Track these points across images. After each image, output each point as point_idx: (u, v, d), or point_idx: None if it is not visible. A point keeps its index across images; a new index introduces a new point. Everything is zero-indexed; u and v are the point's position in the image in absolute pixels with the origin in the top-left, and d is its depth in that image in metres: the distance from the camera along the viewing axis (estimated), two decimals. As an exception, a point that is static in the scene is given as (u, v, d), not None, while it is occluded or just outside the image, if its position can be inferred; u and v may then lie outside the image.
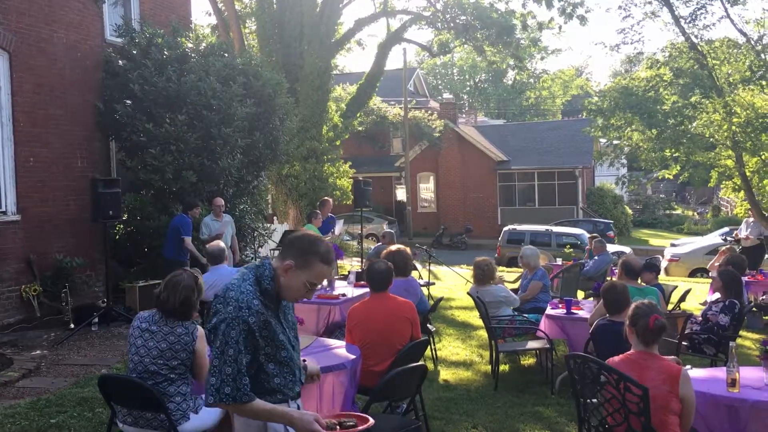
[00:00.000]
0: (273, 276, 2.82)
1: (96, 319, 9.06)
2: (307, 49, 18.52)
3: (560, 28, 25.61)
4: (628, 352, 3.89)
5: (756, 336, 9.15)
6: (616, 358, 3.87)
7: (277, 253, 13.00)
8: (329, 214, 12.03)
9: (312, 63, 18.30)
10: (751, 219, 14.32)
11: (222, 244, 7.32)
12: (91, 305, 9.79)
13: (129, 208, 10.61)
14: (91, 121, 10.53)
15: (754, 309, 9.63)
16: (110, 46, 10.99)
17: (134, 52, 10.84)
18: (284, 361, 2.86)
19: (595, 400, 3.94)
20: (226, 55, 11.78)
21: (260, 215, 13.53)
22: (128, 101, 10.55)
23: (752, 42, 15.09)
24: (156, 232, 10.29)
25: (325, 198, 12.98)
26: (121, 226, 10.90)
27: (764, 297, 10.39)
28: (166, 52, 10.96)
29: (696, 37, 15.90)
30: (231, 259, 9.45)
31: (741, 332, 7.87)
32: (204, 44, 12.14)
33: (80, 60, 10.34)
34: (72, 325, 8.89)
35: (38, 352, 7.94)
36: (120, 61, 10.81)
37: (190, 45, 11.61)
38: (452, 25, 21.94)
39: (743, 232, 13.43)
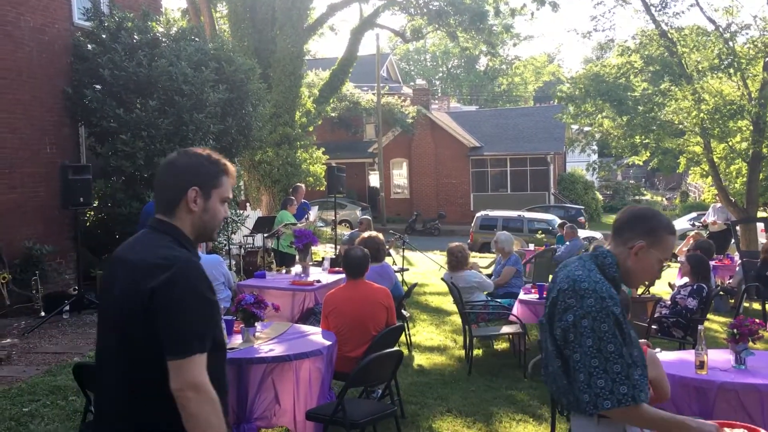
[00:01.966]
0: (616, 262, 2.54)
1: (67, 307, 8.95)
2: (279, 34, 18.35)
3: (532, 14, 25.70)
4: None
5: (723, 319, 9.37)
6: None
7: (250, 240, 12.95)
8: (303, 200, 12.01)
9: (284, 48, 18.15)
10: (719, 204, 14.64)
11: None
12: (61, 293, 9.67)
13: (100, 195, 10.46)
14: (59, 107, 10.34)
15: (721, 293, 9.85)
16: (78, 30, 10.78)
17: (103, 36, 10.65)
18: (638, 362, 2.42)
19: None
20: (197, 39, 11.63)
21: (233, 201, 13.44)
22: (98, 86, 10.37)
23: (721, 30, 15.31)
24: (127, 219, 10.17)
25: (298, 184, 12.94)
26: (92, 212, 10.76)
27: (731, 281, 10.63)
28: (136, 37, 10.79)
29: (666, 24, 16.10)
30: (204, 246, 9.40)
31: (708, 315, 8.04)
32: (175, 29, 11.95)
33: (48, 44, 10.14)
34: (43, 313, 8.78)
35: (9, 340, 7.83)
36: (89, 46, 10.61)
37: (160, 29, 11.43)
38: (425, 10, 21.91)
39: (711, 217, 13.71)
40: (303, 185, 13.18)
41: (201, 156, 2.35)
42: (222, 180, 2.35)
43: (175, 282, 2.11)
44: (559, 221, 17.15)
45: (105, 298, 2.33)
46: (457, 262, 7.61)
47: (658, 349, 4.64)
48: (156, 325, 2.09)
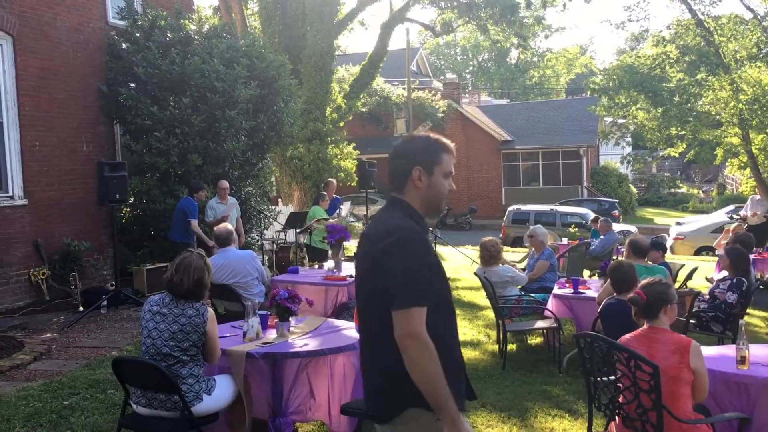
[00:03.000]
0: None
1: (105, 302, 9.11)
2: (309, 29, 18.40)
3: (564, 5, 25.39)
4: (639, 329, 3.91)
5: (763, 314, 9.17)
6: (627, 336, 3.89)
7: (282, 235, 13.03)
8: (334, 195, 12.02)
9: (314, 44, 18.20)
10: (758, 196, 14.30)
11: (230, 226, 7.33)
12: (99, 288, 9.85)
13: (135, 192, 10.62)
14: (95, 105, 10.51)
15: (761, 287, 9.63)
16: (113, 29, 10.94)
17: (137, 34, 10.80)
18: None
19: (605, 378, 3.96)
20: (229, 36, 11.72)
21: (265, 197, 13.53)
22: (132, 84, 10.52)
23: (759, 18, 14.96)
24: (162, 215, 10.32)
25: (329, 179, 12.96)
26: (128, 209, 10.93)
27: (771, 274, 10.39)
28: (169, 35, 10.92)
29: (702, 13, 15.78)
30: (237, 241, 9.49)
31: (748, 310, 7.88)
32: (207, 26, 12.07)
33: (83, 43, 10.30)
34: (81, 308, 8.96)
35: (48, 335, 8.00)
36: (123, 44, 10.76)
37: (192, 27, 11.55)
38: (455, 3, 21.77)
39: (749, 209, 13.41)
40: (334, 180, 13.21)
41: (421, 138, 2.67)
42: (442, 157, 2.64)
43: (397, 245, 2.44)
44: (592, 215, 16.95)
45: (357, 267, 2.70)
46: (490, 257, 7.56)
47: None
48: (384, 282, 2.43)
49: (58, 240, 9.71)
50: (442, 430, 2.41)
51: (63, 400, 5.67)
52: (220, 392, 4.20)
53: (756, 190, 15.39)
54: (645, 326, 3.87)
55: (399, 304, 2.38)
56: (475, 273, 8.03)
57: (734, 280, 6.67)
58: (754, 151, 15.61)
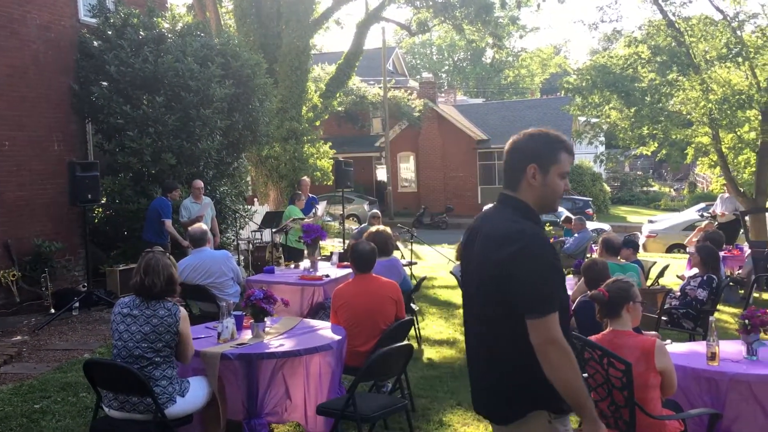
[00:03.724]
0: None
1: (77, 304, 8.99)
2: (284, 28, 18.32)
3: (539, 5, 25.56)
4: (602, 332, 3.91)
5: (733, 310, 9.32)
6: (591, 338, 3.91)
7: (258, 235, 12.97)
8: (309, 194, 11.98)
9: (290, 43, 18.12)
10: (727, 195, 14.52)
11: (204, 226, 7.28)
12: (71, 289, 9.72)
13: (107, 192, 10.49)
14: (66, 104, 10.37)
15: (731, 283, 9.79)
16: (84, 26, 10.80)
17: (109, 32, 10.67)
18: None
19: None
20: (203, 35, 11.64)
21: (241, 197, 13.46)
22: (104, 83, 10.39)
23: (728, 19, 15.18)
24: (135, 215, 10.21)
25: (303, 178, 12.92)
26: (100, 209, 10.80)
27: (740, 271, 10.57)
28: (141, 33, 10.80)
29: (673, 14, 15.96)
30: (212, 241, 9.42)
31: (718, 306, 8.00)
32: (180, 24, 11.97)
33: (54, 41, 10.15)
34: (52, 310, 8.83)
35: (19, 337, 7.88)
36: (95, 42, 10.63)
37: (166, 25, 11.44)
38: (431, 3, 21.80)
39: (719, 208, 13.62)
40: (306, 177, 13.16)
41: (540, 135, 2.61)
42: (560, 156, 2.57)
43: (524, 254, 2.39)
44: (565, 214, 17.09)
45: (465, 262, 2.71)
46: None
47: (668, 341, 4.62)
48: (511, 291, 2.39)
49: (29, 241, 9.56)
50: (559, 431, 2.46)
51: (34, 404, 5.59)
52: (194, 394, 4.16)
53: (726, 188, 15.62)
54: (608, 330, 3.87)
55: (535, 313, 2.36)
56: (451, 272, 8.06)
57: (705, 277, 6.77)
58: (723, 150, 15.84)
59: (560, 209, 21.83)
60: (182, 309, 4.16)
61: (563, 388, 2.36)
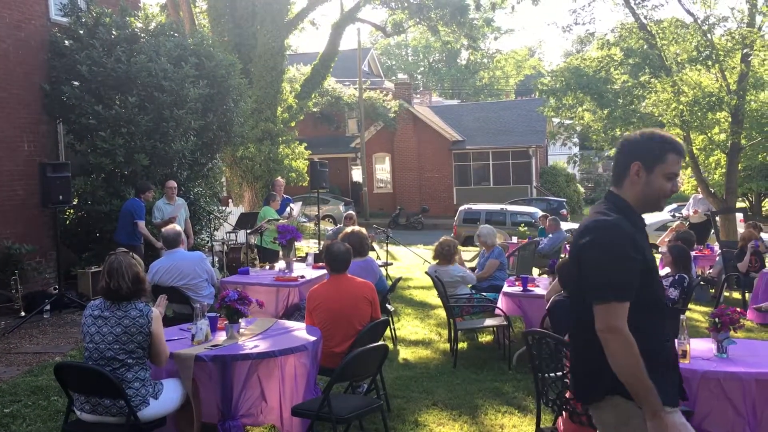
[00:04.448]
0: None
1: (48, 307, 8.85)
2: (259, 28, 18.24)
3: (513, 8, 25.78)
4: None
5: (704, 309, 9.46)
6: (566, 337, 3.95)
7: (233, 236, 12.87)
8: (283, 195, 11.92)
9: (265, 43, 18.05)
10: (699, 195, 14.76)
11: (178, 227, 7.20)
12: (42, 292, 9.56)
13: (79, 193, 10.35)
14: (37, 104, 10.21)
15: (702, 283, 9.94)
16: (56, 25, 10.64)
17: (81, 32, 10.53)
18: None
19: (553, 375, 4.03)
20: (177, 35, 11.53)
21: (215, 198, 13.35)
22: (76, 83, 10.25)
23: (699, 22, 15.42)
24: (108, 216, 10.08)
25: (277, 178, 12.87)
26: (72, 211, 10.64)
27: (711, 271, 10.74)
28: (114, 32, 10.67)
29: (645, 17, 16.18)
30: (185, 243, 9.33)
31: (689, 305, 8.11)
32: (153, 24, 11.83)
33: (24, 40, 9.99)
34: (23, 313, 8.68)
35: (-12, 341, 7.73)
36: (66, 42, 10.48)
37: (139, 25, 11.32)
38: (406, 4, 21.87)
39: (691, 208, 13.82)
40: (280, 178, 13.09)
41: (649, 135, 2.66)
42: (667, 157, 2.61)
43: (595, 243, 2.51)
44: (541, 214, 17.24)
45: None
46: (442, 255, 7.61)
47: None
48: (583, 275, 2.54)
49: (-1, 243, 9.40)
50: (635, 416, 2.49)
51: (3, 408, 5.50)
52: (168, 396, 4.12)
53: (697, 189, 15.87)
54: None
55: (598, 298, 2.46)
56: (426, 272, 8.09)
57: (676, 277, 6.85)
58: (694, 151, 16.10)
59: (536, 209, 22.02)
60: (155, 309, 4.12)
61: (621, 375, 2.43)
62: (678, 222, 13.16)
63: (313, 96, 22.78)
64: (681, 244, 7.46)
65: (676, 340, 4.36)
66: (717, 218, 14.23)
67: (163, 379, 4.26)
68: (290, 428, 4.53)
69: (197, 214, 11.94)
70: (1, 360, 7.02)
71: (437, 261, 7.68)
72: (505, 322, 7.03)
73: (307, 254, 9.73)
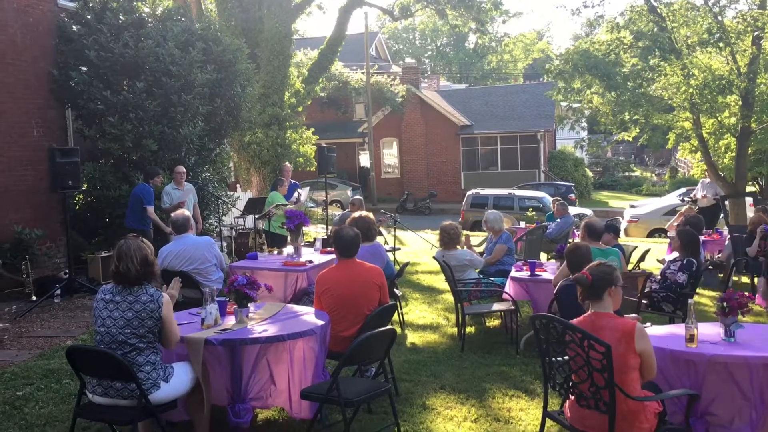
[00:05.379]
0: None
1: (58, 291, 8.93)
2: (266, 13, 18.17)
3: (521, -9, 25.51)
4: (584, 315, 3.98)
5: (712, 293, 9.45)
6: (573, 321, 3.96)
7: (241, 221, 12.92)
8: (291, 180, 11.93)
9: (272, 28, 17.99)
10: (708, 180, 14.67)
11: (187, 212, 7.24)
12: (52, 277, 9.64)
13: (88, 178, 10.40)
14: (45, 89, 10.23)
15: (710, 267, 9.91)
16: (63, 10, 10.64)
17: (88, 16, 10.53)
18: None
19: (560, 359, 4.04)
20: (184, 19, 11.52)
21: (223, 183, 13.39)
22: (84, 68, 10.27)
23: (710, 4, 15.26)
24: (117, 201, 10.13)
25: (285, 164, 12.88)
26: (81, 196, 10.70)
27: (720, 255, 10.70)
28: (121, 17, 10.67)
29: (655, 0, 16.01)
30: (194, 228, 9.38)
31: (698, 290, 8.10)
32: (161, 9, 11.82)
33: (32, 25, 9.99)
34: (34, 297, 8.76)
35: (0, 325, 7.81)
36: (74, 27, 10.48)
37: (146, 9, 11.31)
38: (414, -12, 21.72)
39: (700, 192, 13.76)
40: (288, 163, 13.09)
41: None
42: None
43: None
44: (550, 199, 17.20)
45: None
46: (449, 239, 7.62)
47: (648, 324, 4.69)
48: None
49: (9, 228, 9.46)
50: None
51: (16, 391, 5.57)
52: (178, 379, 4.17)
53: (706, 173, 15.77)
54: (590, 311, 3.94)
55: None
56: (434, 257, 8.10)
57: (684, 261, 6.85)
58: (704, 135, 15.98)
59: (544, 194, 21.96)
60: (165, 294, 4.16)
61: None
62: (687, 206, 13.09)
63: (320, 80, 22.71)
64: (689, 229, 7.44)
65: (684, 324, 4.37)
66: (726, 202, 14.16)
67: (173, 362, 4.30)
68: (299, 411, 4.57)
69: (205, 199, 11.98)
70: (13, 344, 7.10)
71: (443, 247, 7.69)
72: (512, 307, 7.04)
73: (315, 239, 9.75)
